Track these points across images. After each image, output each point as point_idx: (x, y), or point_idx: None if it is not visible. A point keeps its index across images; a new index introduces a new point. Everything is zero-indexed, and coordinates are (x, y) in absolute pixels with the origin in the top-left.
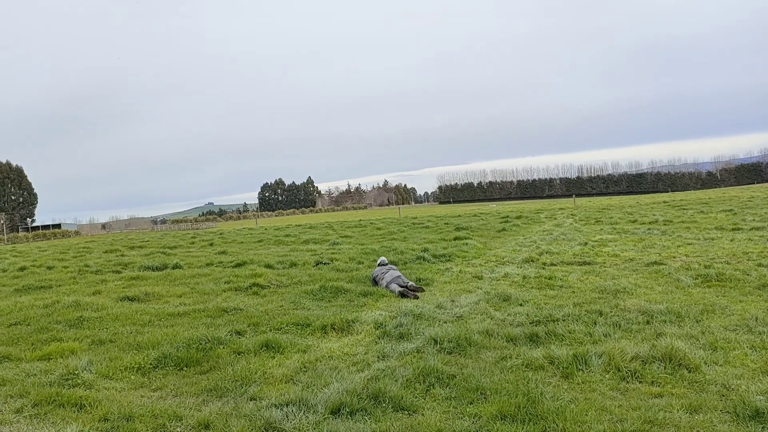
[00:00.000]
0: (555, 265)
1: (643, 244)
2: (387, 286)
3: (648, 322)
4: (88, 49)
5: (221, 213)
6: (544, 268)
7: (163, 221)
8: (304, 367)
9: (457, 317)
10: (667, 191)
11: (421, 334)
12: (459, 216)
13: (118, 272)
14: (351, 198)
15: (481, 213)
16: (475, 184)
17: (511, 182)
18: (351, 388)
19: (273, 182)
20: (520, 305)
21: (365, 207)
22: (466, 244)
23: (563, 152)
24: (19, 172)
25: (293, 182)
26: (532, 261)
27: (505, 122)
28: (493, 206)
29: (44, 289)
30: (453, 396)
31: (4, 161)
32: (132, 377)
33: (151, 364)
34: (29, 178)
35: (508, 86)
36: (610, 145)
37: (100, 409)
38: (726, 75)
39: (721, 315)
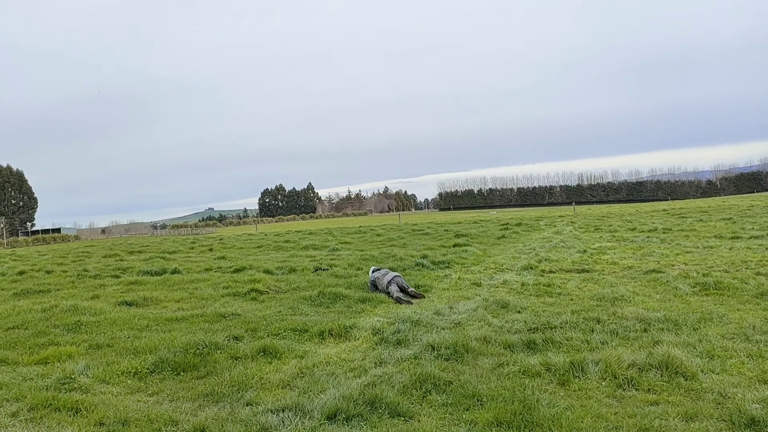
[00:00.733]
0: (554, 272)
1: (641, 252)
2: (387, 287)
3: (645, 330)
4: (89, 55)
5: (221, 218)
6: (542, 276)
7: (163, 226)
8: (301, 373)
9: (455, 324)
10: (667, 199)
11: (419, 341)
12: (459, 223)
13: (117, 277)
14: (351, 204)
15: (481, 220)
16: (476, 191)
17: (512, 189)
18: (347, 394)
19: (273, 188)
20: (518, 312)
21: (365, 213)
22: (466, 251)
23: (563, 160)
24: (19, 177)
25: (293, 188)
26: (531, 268)
27: (505, 129)
28: (493, 213)
29: (43, 293)
30: (449, 402)
31: (4, 165)
32: (129, 382)
33: (148, 368)
34: (29, 183)
35: (508, 93)
36: (610, 153)
37: (96, 414)
38: (726, 84)
39: (718, 323)
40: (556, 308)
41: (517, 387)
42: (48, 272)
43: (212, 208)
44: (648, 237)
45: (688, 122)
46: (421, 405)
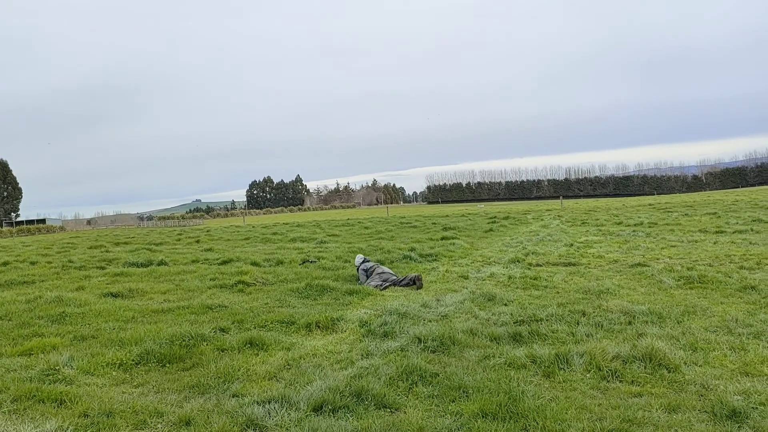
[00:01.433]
0: (540, 265)
1: (627, 245)
2: (372, 284)
3: (630, 323)
4: (76, 46)
5: (209, 210)
6: (529, 269)
7: (150, 218)
8: (288, 365)
9: (442, 316)
10: (653, 194)
11: (406, 333)
12: (447, 216)
13: (103, 268)
14: (339, 197)
15: (469, 213)
16: (464, 185)
17: (500, 183)
18: (334, 386)
19: (261, 180)
20: (505, 305)
21: (354, 206)
22: (453, 244)
23: (551, 154)
24: (3, 167)
25: (282, 180)
26: (518, 261)
27: (494, 124)
28: (481, 207)
29: (27, 284)
30: (435, 394)
31: None
32: (114, 373)
33: (133, 360)
34: (14, 173)
35: (497, 88)
36: (597, 148)
37: (81, 405)
38: (713, 80)
39: (702, 316)
40: (543, 301)
41: (503, 379)
42: (32, 263)
43: (199, 200)
44: (634, 231)
45: (675, 118)
46: (407, 396)
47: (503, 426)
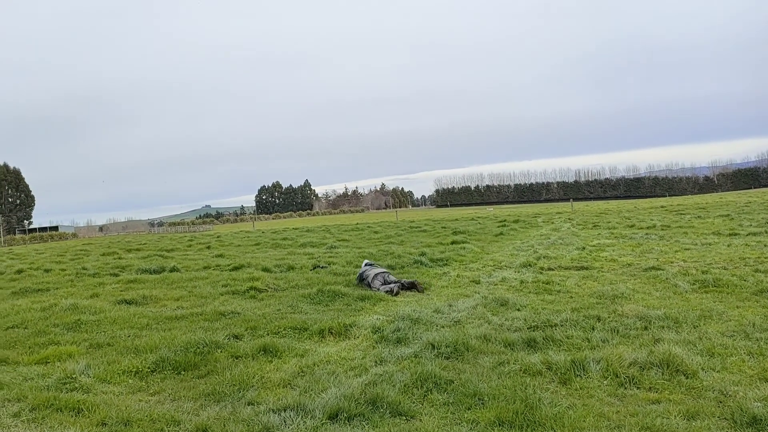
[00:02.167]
0: (553, 269)
1: (640, 249)
2: (372, 281)
3: (646, 328)
4: (85, 51)
5: (218, 216)
6: (541, 273)
7: (161, 224)
8: (302, 372)
9: (455, 322)
10: (665, 196)
11: (419, 339)
12: (456, 220)
13: (116, 275)
14: (348, 201)
15: (479, 217)
16: (473, 188)
17: (509, 186)
18: (349, 393)
19: (270, 185)
20: (518, 310)
21: (362, 210)
22: (464, 248)
23: (561, 156)
24: (16, 174)
25: (290, 185)
26: (530, 265)
27: (502, 126)
28: (490, 210)
29: (41, 292)
30: (451, 401)
31: (1, 163)
32: (130, 381)
33: (148, 367)
34: (27, 181)
35: (506, 90)
36: (607, 150)
37: (98, 414)
38: (724, 79)
39: (718, 321)
40: (556, 306)
41: (519, 386)
42: (46, 271)
43: (209, 206)
44: (647, 234)
45: (685, 118)
46: (422, 404)
47: None
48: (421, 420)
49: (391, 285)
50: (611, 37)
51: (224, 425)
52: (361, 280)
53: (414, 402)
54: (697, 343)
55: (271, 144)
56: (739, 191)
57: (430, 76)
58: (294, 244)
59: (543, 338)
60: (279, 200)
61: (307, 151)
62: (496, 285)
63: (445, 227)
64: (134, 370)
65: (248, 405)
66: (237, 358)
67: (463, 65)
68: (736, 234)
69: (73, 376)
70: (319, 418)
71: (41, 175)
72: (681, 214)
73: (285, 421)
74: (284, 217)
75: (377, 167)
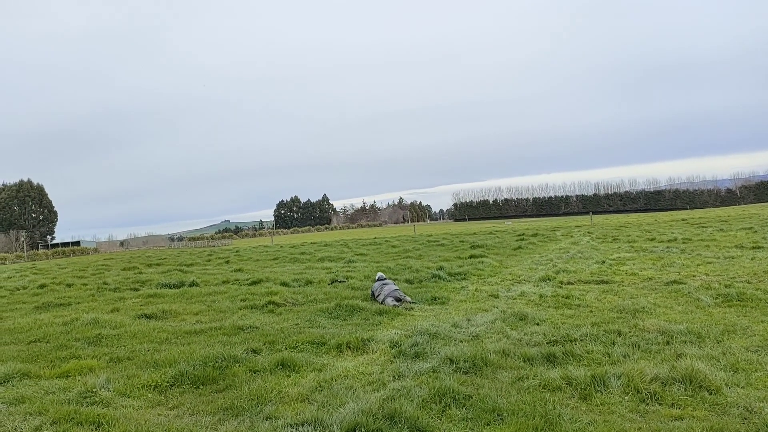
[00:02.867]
0: (572, 283)
1: (661, 262)
2: (383, 301)
3: (668, 343)
4: (106, 69)
5: (237, 230)
6: (561, 287)
7: (180, 238)
8: (320, 387)
9: (473, 336)
10: (686, 208)
11: (437, 354)
12: (474, 234)
13: (136, 290)
14: (366, 215)
15: (497, 231)
16: (491, 202)
17: (527, 199)
18: (366, 408)
19: (289, 200)
20: (537, 324)
21: (380, 224)
22: (482, 262)
23: (579, 169)
24: (39, 191)
25: (309, 200)
26: (549, 279)
27: (520, 139)
28: (508, 224)
29: (63, 306)
30: (469, 417)
31: (25, 179)
32: (149, 395)
33: (168, 382)
34: (50, 196)
35: (524, 102)
36: (627, 162)
37: (118, 428)
38: (746, 90)
39: (742, 335)
40: (576, 320)
41: (538, 401)
42: (68, 285)
43: (228, 220)
44: (668, 247)
45: (706, 130)
46: (440, 419)
47: None
48: None
49: (393, 300)
50: (631, 49)
51: None
52: (374, 297)
53: (432, 417)
54: (720, 358)
55: (290, 159)
56: (762, 203)
57: (448, 90)
58: (312, 258)
59: (563, 353)
60: (297, 215)
61: (325, 166)
62: (514, 299)
63: (463, 241)
64: (153, 384)
65: (266, 419)
66: (255, 373)
67: (480, 79)
68: (759, 247)
69: (94, 390)
70: None
71: (64, 191)
72: (703, 227)
73: None
74: (302, 232)
75: (395, 181)
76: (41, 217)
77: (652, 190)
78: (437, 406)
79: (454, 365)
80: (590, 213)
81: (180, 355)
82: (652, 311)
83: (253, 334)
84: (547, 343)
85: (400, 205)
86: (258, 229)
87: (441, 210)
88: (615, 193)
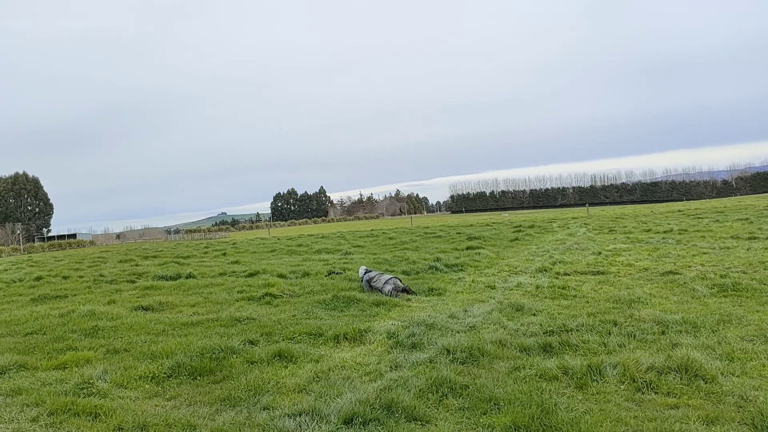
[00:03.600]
0: (568, 274)
1: (657, 253)
2: (383, 286)
3: (663, 333)
4: (103, 64)
5: (234, 223)
6: (557, 278)
7: (177, 231)
8: (317, 377)
9: (470, 327)
10: (682, 200)
11: (434, 344)
12: (471, 225)
13: (133, 282)
14: (363, 207)
15: (494, 222)
16: (488, 194)
17: (524, 191)
18: (364, 398)
19: (286, 192)
20: (534, 315)
21: (377, 216)
22: (479, 253)
23: (576, 161)
24: (35, 183)
25: (305, 192)
26: (546, 271)
27: (517, 131)
28: (505, 215)
29: (60, 298)
30: (466, 406)
31: (21, 172)
32: (146, 386)
33: (165, 373)
34: (45, 189)
35: (519, 96)
36: (623, 154)
37: (115, 419)
38: (742, 82)
39: (737, 325)
40: (572, 311)
41: (535, 391)
42: (65, 278)
43: (225, 213)
44: (664, 238)
45: (703, 122)
46: (437, 409)
47: None
48: (436, 425)
49: (393, 288)
50: (631, 46)
51: (240, 430)
52: (370, 286)
53: (429, 407)
54: (716, 347)
55: (287, 152)
56: (758, 195)
57: (445, 83)
58: (309, 250)
59: (559, 343)
60: (294, 207)
61: (322, 158)
62: (511, 290)
63: (460, 233)
64: (151, 375)
65: (263, 410)
66: (252, 364)
67: (478, 72)
68: (755, 238)
69: (91, 381)
70: (334, 423)
71: (60, 184)
72: (699, 218)
73: (300, 426)
74: (299, 224)
75: (392, 174)
76: (37, 209)
77: (648, 181)
78: (434, 396)
79: (451, 356)
80: (587, 204)
81: (177, 346)
82: (648, 301)
83: (250, 326)
84: (543, 333)
85: (398, 197)
86: (255, 221)
87: (438, 202)
88: (611, 184)
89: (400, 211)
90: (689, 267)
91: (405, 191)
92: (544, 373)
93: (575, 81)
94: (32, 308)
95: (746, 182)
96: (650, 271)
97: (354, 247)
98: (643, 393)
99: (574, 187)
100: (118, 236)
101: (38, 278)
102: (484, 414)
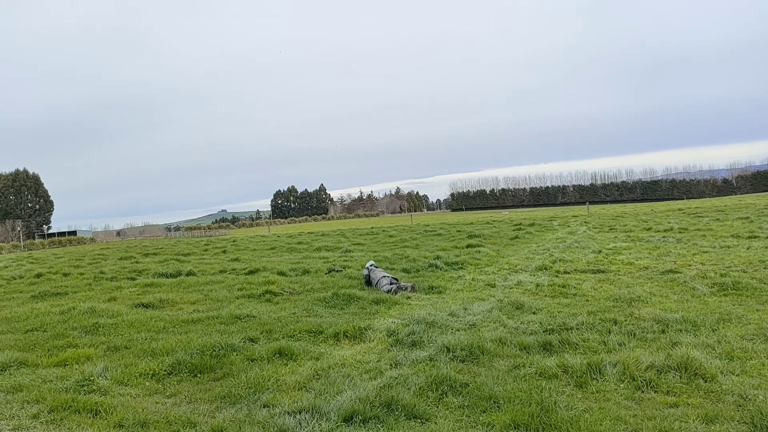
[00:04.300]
0: (568, 273)
1: (657, 252)
2: (379, 285)
3: (663, 331)
4: (102, 59)
5: (234, 220)
6: (557, 276)
7: (177, 228)
8: (317, 375)
9: (470, 325)
10: (682, 198)
11: (434, 342)
12: (471, 223)
13: (133, 279)
14: (363, 205)
15: (494, 220)
16: (488, 192)
17: (524, 189)
18: (364, 396)
19: (286, 189)
20: (534, 313)
21: (377, 214)
22: (479, 251)
23: (576, 159)
24: (35, 180)
25: (306, 189)
26: (546, 269)
27: (518, 129)
28: (505, 213)
29: (60, 295)
30: (466, 404)
31: (21, 169)
32: (147, 383)
33: (165, 370)
34: (45, 186)
35: (521, 93)
36: (624, 152)
37: (115, 416)
38: (743, 80)
39: (737, 324)
40: (572, 309)
41: (534, 389)
42: (65, 275)
43: (225, 210)
44: (664, 237)
45: (703, 120)
46: (437, 407)
47: None
48: (436, 423)
49: (392, 286)
50: (627, 39)
51: (240, 427)
52: (368, 282)
53: (429, 405)
54: (715, 346)
55: (287, 150)
56: (759, 193)
57: (445, 80)
58: (309, 248)
59: (559, 341)
60: (294, 205)
61: (322, 156)
62: (511, 288)
63: (460, 231)
64: (151, 372)
65: (264, 407)
66: (252, 361)
67: (478, 69)
68: (755, 236)
69: (91, 378)
70: (334, 420)
71: (61, 181)
72: (699, 216)
73: (300, 424)
74: (299, 222)
75: (392, 171)
76: (37, 206)
77: (648, 180)
78: (434, 394)
79: (451, 354)
80: (587, 203)
81: (177, 343)
82: (648, 300)
83: (250, 323)
84: (543, 331)
85: (398, 195)
86: (255, 218)
87: (438, 200)
88: (612, 183)
89: (401, 208)
90: (689, 266)
91: (405, 189)
92: (544, 371)
93: (576, 78)
94: (32, 305)
95: (747, 181)
96: (650, 270)
97: (354, 245)
98: (642, 391)
99: (574, 186)
100: (118, 233)
101: (38, 275)
102: (484, 412)
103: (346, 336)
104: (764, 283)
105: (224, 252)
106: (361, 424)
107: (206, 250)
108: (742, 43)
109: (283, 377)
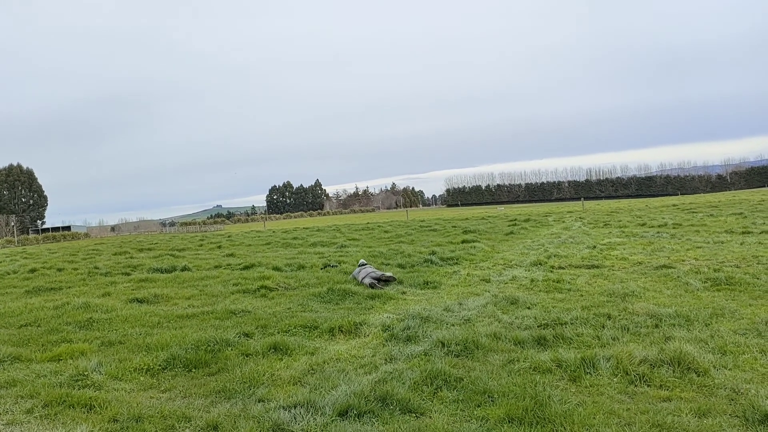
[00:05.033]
0: (563, 268)
1: (651, 247)
2: (362, 280)
3: (657, 326)
4: (98, 56)
5: (229, 215)
6: (552, 272)
7: (172, 224)
8: (312, 369)
9: (465, 320)
10: (677, 194)
11: (429, 337)
12: (467, 219)
13: (128, 274)
14: (359, 201)
15: (489, 216)
16: (483, 187)
17: (520, 185)
18: (358, 391)
19: (281, 185)
20: (528, 308)
21: (373, 210)
22: (474, 247)
23: (572, 155)
24: (29, 175)
25: (301, 185)
26: (540, 264)
27: (513, 125)
28: (501, 209)
29: (54, 290)
30: (460, 399)
31: (15, 164)
32: (141, 378)
33: (160, 365)
34: (39, 181)
35: (516, 89)
36: (619, 148)
37: (110, 410)
38: (736, 78)
39: (730, 319)
40: (566, 304)
41: (528, 383)
42: (59, 270)
43: (220, 206)
44: (658, 232)
45: (698, 117)
46: (432, 401)
47: (530, 431)
48: (430, 417)
49: (373, 280)
50: (623, 37)
51: (235, 422)
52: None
53: (424, 399)
54: (708, 341)
55: (283, 146)
56: (752, 189)
57: (441, 76)
58: (304, 243)
59: (553, 336)
60: (290, 200)
61: (318, 152)
62: (506, 284)
63: (455, 226)
64: (145, 367)
65: (258, 402)
66: (247, 356)
67: (473, 66)
68: (749, 232)
69: (85, 373)
70: (329, 414)
71: (55, 176)
72: (693, 212)
73: (295, 418)
74: (295, 217)
75: (388, 167)
76: (31, 201)
77: (643, 176)
78: (429, 389)
79: (446, 348)
80: (582, 199)
81: (172, 338)
82: (642, 295)
83: (245, 318)
84: (537, 326)
85: (393, 190)
86: (250, 214)
87: (434, 196)
88: (607, 179)
89: (396, 204)
90: (683, 261)
91: (401, 185)
92: (538, 365)
93: (571, 75)
94: (26, 300)
95: (741, 177)
96: (644, 265)
97: (349, 240)
98: (636, 386)
99: (569, 181)
100: (112, 229)
101: (32, 270)
102: (479, 406)
103: (341, 331)
104: (757, 279)
105: (219, 247)
106: (356, 418)
107: (201, 245)
108: (738, 42)
109: (278, 372)
